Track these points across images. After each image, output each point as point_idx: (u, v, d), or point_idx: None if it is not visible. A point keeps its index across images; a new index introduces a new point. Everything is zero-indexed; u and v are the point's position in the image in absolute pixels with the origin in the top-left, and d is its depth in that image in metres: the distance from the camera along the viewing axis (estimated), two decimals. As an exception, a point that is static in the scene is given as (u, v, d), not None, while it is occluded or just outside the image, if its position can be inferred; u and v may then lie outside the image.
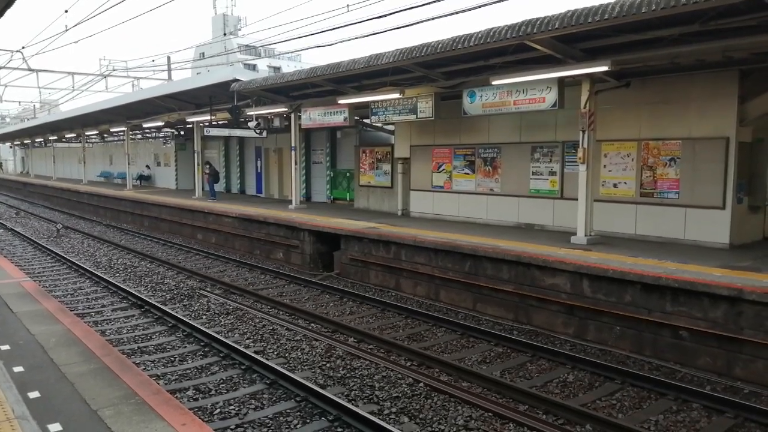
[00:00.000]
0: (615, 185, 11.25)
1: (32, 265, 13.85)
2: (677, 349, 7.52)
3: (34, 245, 16.79)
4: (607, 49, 9.49)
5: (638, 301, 7.93)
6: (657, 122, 10.69)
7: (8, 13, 6.80)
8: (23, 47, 22.54)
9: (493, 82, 10.92)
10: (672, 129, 10.50)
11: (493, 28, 9.40)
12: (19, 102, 46.73)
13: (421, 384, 6.61)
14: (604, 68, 9.36)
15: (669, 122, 10.53)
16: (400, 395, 6.31)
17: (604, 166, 11.36)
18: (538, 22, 8.75)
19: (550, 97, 10.41)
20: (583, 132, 10.23)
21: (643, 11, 7.53)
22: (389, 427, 5.28)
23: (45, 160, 45.79)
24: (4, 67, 24.36)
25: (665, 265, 8.33)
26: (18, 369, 4.79)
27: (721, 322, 7.16)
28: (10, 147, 60.31)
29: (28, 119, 47.37)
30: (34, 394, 4.25)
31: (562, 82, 10.29)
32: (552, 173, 12.36)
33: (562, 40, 9.32)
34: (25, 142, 47.34)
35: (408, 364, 7.35)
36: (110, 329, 8.77)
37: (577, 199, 10.59)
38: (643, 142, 10.88)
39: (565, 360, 7.45)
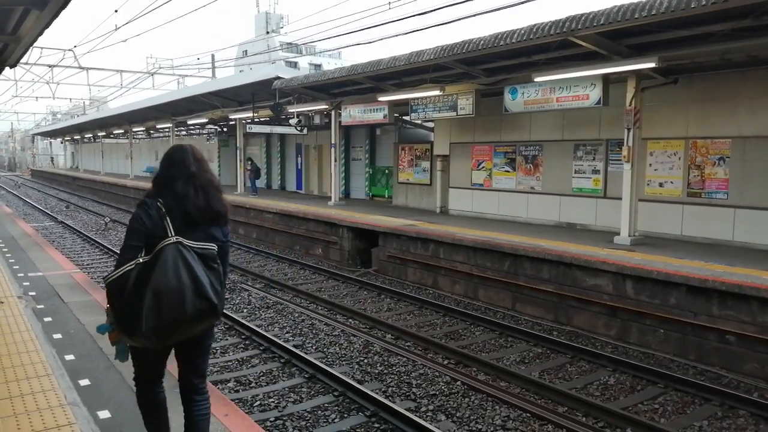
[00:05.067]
0: (661, 184, 10.99)
1: (81, 257, 14.34)
2: (723, 353, 7.30)
3: (84, 238, 17.38)
4: (654, 45, 9.26)
5: (683, 304, 7.74)
6: (705, 120, 10.39)
7: (61, 13, 7.04)
8: (75, 46, 23.32)
9: (536, 79, 10.79)
10: (721, 127, 10.19)
11: (536, 24, 9.29)
12: (70, 99, 48.31)
13: (459, 382, 6.59)
14: (651, 65, 9.15)
15: (718, 120, 10.21)
16: (437, 393, 6.31)
17: (650, 164, 11.10)
18: (583, 18, 8.61)
19: (595, 94, 10.23)
20: (628, 130, 10.02)
21: (692, 6, 7.33)
22: (426, 424, 5.30)
23: (94, 156, 47.32)
24: (56, 66, 25.21)
25: (712, 267, 8.11)
26: (69, 357, 4.98)
27: (771, 328, 6.93)
28: (61, 142, 62.56)
29: (78, 116, 48.99)
30: (84, 382, 4.41)
31: (606, 79, 10.10)
32: (595, 172, 12.14)
33: (607, 36, 9.15)
34: (75, 137, 49.06)
35: (445, 362, 7.34)
36: (155, 320, 9.01)
37: (620, 199, 10.39)
38: (691, 141, 10.59)
39: (606, 362, 7.33)
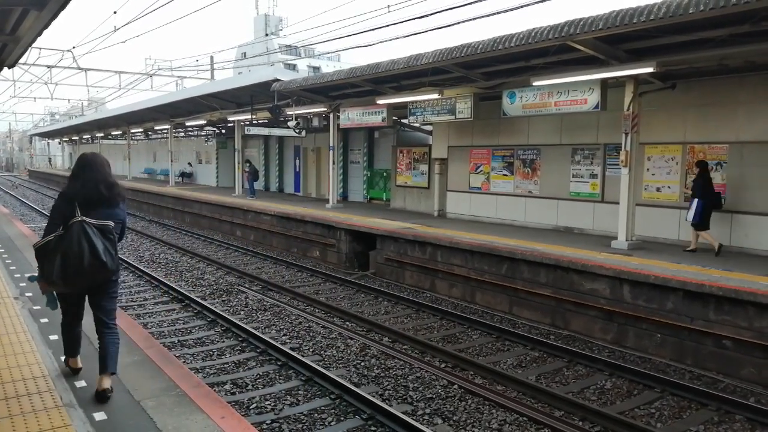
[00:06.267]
0: (658, 189, 11.01)
1: (79, 258, 14.28)
2: (720, 358, 7.31)
3: (81, 239, 17.30)
4: (652, 50, 9.29)
5: (680, 309, 7.75)
6: (703, 125, 10.41)
7: (60, 14, 7.04)
8: (74, 47, 23.29)
9: (534, 83, 10.81)
10: (719, 132, 10.21)
11: (534, 29, 9.31)
12: (69, 100, 48.25)
13: (456, 386, 6.59)
14: (649, 70, 9.17)
15: (716, 125, 10.24)
16: (434, 396, 6.31)
17: (647, 169, 11.12)
18: (582, 23, 8.63)
19: (593, 98, 10.25)
20: (626, 134, 10.05)
21: (690, 12, 7.35)
22: (423, 427, 5.30)
23: (92, 157, 47.09)
24: (55, 66, 25.19)
25: (709, 272, 8.12)
26: (66, 358, 4.96)
27: (767, 333, 6.94)
28: (59, 143, 62.50)
29: (76, 116, 48.94)
30: (80, 383, 4.39)
31: (605, 84, 10.12)
32: (593, 176, 12.16)
33: (605, 41, 9.17)
34: (73, 138, 48.99)
35: (442, 365, 7.33)
36: (152, 322, 9.01)
37: (618, 203, 10.41)
38: (689, 146, 10.62)
39: (603, 366, 7.33)
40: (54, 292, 4.19)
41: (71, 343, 4.48)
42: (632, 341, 8.24)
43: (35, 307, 6.56)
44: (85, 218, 4.00)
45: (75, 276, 3.95)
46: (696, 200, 9.63)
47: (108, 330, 4.25)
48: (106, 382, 4.12)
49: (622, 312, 8.33)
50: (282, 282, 12.07)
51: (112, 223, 4.12)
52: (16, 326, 5.66)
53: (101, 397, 4.09)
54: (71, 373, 4.50)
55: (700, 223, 9.68)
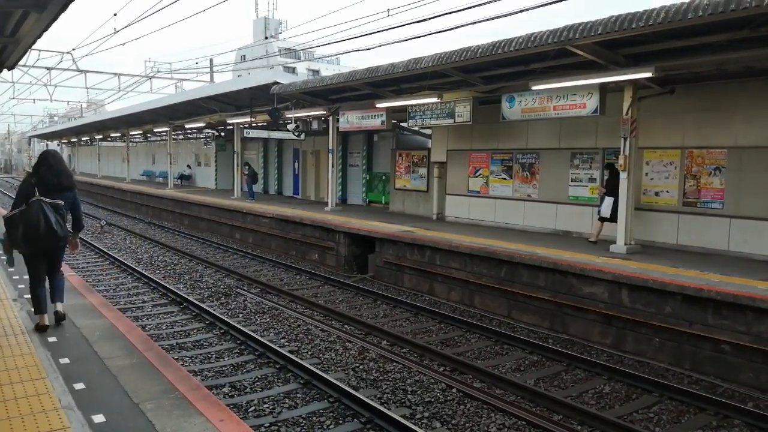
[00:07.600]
0: (657, 194, 11.02)
1: (77, 259, 14.28)
2: (718, 363, 7.32)
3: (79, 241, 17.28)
4: (651, 55, 9.31)
5: (679, 313, 7.76)
6: (702, 130, 10.44)
7: (61, 16, 7.04)
8: (73, 49, 23.30)
9: (533, 88, 10.82)
10: (717, 137, 10.23)
11: (534, 33, 9.34)
12: (68, 102, 48.23)
13: (454, 390, 6.59)
14: (648, 74, 9.19)
15: (714, 130, 10.26)
16: (432, 400, 6.30)
17: (646, 173, 11.14)
18: (581, 28, 8.65)
19: (591, 103, 10.27)
20: (625, 139, 10.06)
21: (689, 17, 7.39)
22: (421, 431, 5.29)
23: (90, 159, 47.18)
24: (54, 68, 25.20)
25: (708, 276, 8.13)
26: (64, 361, 4.95)
27: (765, 337, 6.95)
28: (58, 145, 62.29)
29: (75, 118, 48.89)
30: (79, 386, 4.39)
31: (603, 88, 10.14)
32: (591, 180, 12.18)
33: (604, 46, 9.20)
34: (72, 140, 48.93)
35: (441, 369, 7.33)
36: (150, 324, 8.99)
37: (616, 207, 10.42)
38: (687, 150, 10.63)
39: (602, 371, 7.33)
40: (13, 253, 5.66)
41: (37, 300, 5.81)
42: (631, 345, 8.24)
43: (33, 309, 6.54)
44: (42, 198, 5.43)
45: (34, 240, 5.41)
46: (608, 197, 10.82)
47: (55, 275, 5.98)
48: (59, 307, 6.00)
49: (621, 316, 8.34)
50: (281, 285, 12.05)
51: (62, 203, 5.58)
52: (14, 328, 5.65)
53: (59, 318, 5.96)
54: (40, 330, 5.69)
55: (614, 216, 10.61)
